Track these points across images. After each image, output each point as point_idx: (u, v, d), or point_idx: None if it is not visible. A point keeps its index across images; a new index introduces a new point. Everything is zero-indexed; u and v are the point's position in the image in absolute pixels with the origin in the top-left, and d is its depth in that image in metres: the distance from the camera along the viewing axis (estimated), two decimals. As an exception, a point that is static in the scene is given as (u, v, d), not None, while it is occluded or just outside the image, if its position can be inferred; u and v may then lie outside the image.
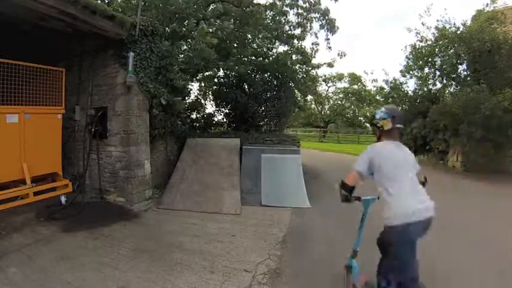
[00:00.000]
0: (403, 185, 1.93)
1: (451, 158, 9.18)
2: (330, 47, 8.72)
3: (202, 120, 8.22)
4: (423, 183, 2.14)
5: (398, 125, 2.08)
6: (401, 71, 11.55)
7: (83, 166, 4.86)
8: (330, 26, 8.20)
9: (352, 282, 2.35)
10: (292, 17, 8.28)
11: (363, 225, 2.37)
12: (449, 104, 8.71)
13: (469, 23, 9.93)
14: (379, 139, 2.21)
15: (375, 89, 13.78)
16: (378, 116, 2.16)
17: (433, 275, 2.78)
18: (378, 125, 2.15)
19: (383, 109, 2.15)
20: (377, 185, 2.07)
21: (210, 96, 9.03)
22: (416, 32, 10.69)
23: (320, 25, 8.27)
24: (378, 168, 2.01)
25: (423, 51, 10.61)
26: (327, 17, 8.11)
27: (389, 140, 2.09)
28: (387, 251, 2.03)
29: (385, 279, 1.99)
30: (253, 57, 8.53)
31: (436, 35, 10.26)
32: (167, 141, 5.85)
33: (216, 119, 8.56)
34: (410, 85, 14.60)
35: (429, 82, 10.95)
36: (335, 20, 8.22)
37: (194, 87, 8.91)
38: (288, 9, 8.14)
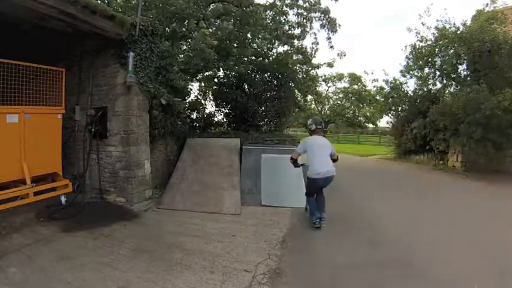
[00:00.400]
0: (318, 158, 3.97)
1: (451, 158, 9.18)
2: (332, 46, 8.72)
3: (202, 120, 8.22)
4: (335, 160, 4.15)
5: (319, 127, 4.29)
6: (401, 71, 11.55)
7: (83, 166, 4.86)
8: (331, 25, 8.18)
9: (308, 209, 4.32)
10: (292, 16, 8.30)
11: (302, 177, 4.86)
12: (449, 104, 8.70)
13: (469, 23, 9.93)
14: (311, 135, 4.30)
15: (375, 89, 13.76)
16: (308, 123, 4.35)
17: (433, 275, 2.79)
18: (308, 127, 4.36)
19: (310, 120, 4.34)
20: (307, 158, 4.08)
21: (210, 96, 9.03)
22: (416, 32, 10.69)
23: (321, 24, 8.26)
24: (307, 149, 4.08)
25: (423, 51, 10.61)
26: (327, 16, 8.09)
27: (314, 135, 4.22)
28: (308, 187, 4.22)
29: (308, 195, 4.26)
30: (253, 57, 8.53)
31: (436, 35, 10.25)
32: (167, 141, 5.85)
33: (216, 119, 8.55)
34: (410, 85, 14.62)
35: (429, 82, 10.94)
36: (335, 19, 8.22)
37: (194, 87, 8.92)
38: (288, 9, 8.14)
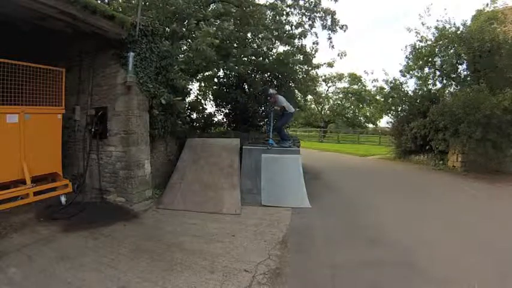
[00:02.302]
0: None
1: (451, 158, 9.18)
2: (332, 46, 8.68)
3: (202, 120, 8.22)
4: None
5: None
6: (401, 71, 11.58)
7: (83, 166, 4.86)
8: (334, 25, 8.16)
9: None
10: (292, 16, 8.29)
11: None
12: (449, 104, 8.72)
13: (469, 23, 9.94)
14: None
15: (375, 89, 13.76)
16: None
17: (433, 275, 2.79)
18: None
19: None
20: None
21: (210, 96, 9.04)
22: (416, 32, 10.71)
23: (322, 24, 8.24)
24: None
25: (423, 51, 10.63)
26: (329, 16, 8.08)
27: None
28: None
29: None
30: (253, 57, 8.53)
31: (436, 35, 10.27)
32: (167, 141, 5.84)
33: (216, 119, 8.56)
34: (410, 85, 14.61)
35: (429, 82, 10.97)
36: (339, 20, 8.21)
37: (194, 87, 8.92)
38: (288, 9, 8.14)
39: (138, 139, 4.73)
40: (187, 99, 7.34)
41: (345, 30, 8.28)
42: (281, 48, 8.90)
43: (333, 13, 8.02)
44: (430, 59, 10.55)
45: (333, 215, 4.65)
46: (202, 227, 3.98)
